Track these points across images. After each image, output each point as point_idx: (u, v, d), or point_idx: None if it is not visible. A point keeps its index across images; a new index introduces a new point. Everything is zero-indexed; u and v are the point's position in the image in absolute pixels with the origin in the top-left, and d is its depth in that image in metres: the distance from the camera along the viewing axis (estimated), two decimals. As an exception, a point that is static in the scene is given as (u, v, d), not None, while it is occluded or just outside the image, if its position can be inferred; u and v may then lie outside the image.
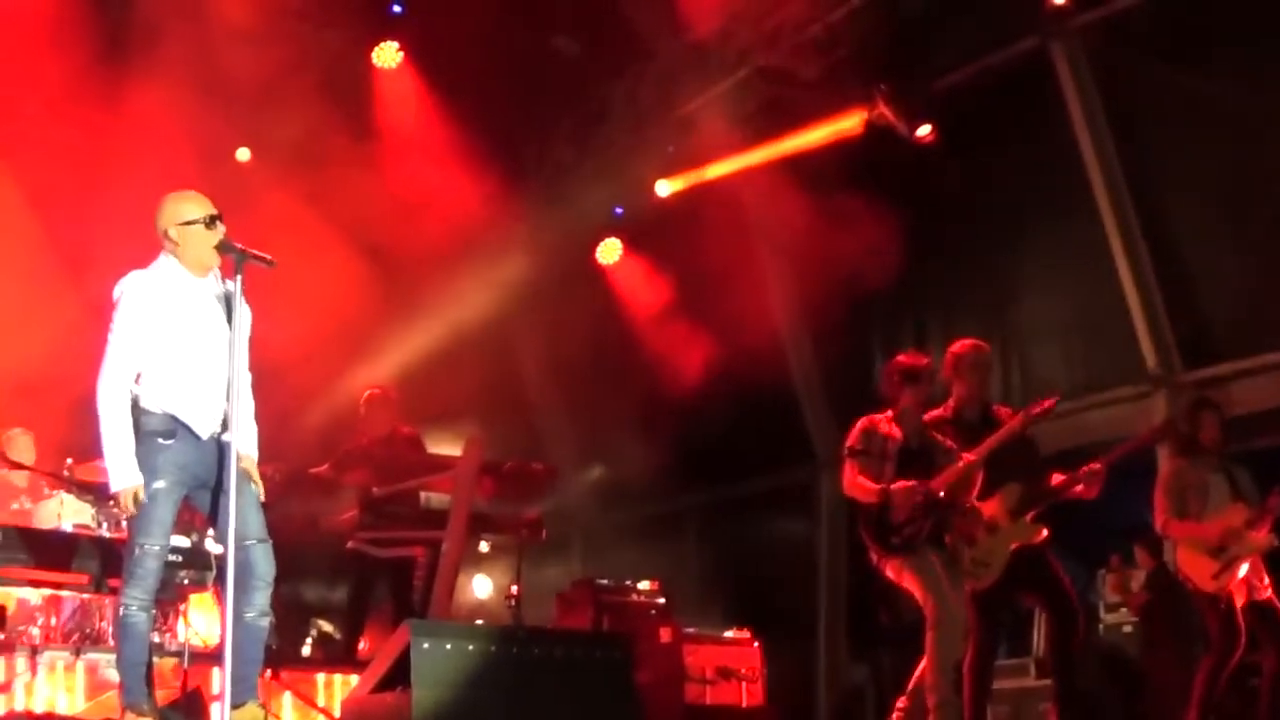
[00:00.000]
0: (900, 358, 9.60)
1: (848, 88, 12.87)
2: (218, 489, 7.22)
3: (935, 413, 9.45)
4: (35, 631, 10.33)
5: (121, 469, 7.05)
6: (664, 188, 14.44)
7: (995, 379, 9.56)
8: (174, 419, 7.16)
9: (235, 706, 6.99)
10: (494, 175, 13.81)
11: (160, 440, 7.15)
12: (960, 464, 9.04)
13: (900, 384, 9.41)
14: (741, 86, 13.36)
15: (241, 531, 7.01)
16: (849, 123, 12.95)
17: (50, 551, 8.17)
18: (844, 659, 13.40)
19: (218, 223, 7.29)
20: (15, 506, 11.20)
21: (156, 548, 7.15)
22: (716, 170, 13.92)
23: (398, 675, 7.76)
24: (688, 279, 13.60)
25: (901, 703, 9.23)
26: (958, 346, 9.53)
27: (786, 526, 13.93)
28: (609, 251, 15.22)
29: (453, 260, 14.04)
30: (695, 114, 13.85)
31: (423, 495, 11.95)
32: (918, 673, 9.10)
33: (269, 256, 7.22)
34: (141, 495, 7.04)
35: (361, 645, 11.82)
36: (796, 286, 13.35)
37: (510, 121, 13.76)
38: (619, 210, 15.15)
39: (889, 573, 9.20)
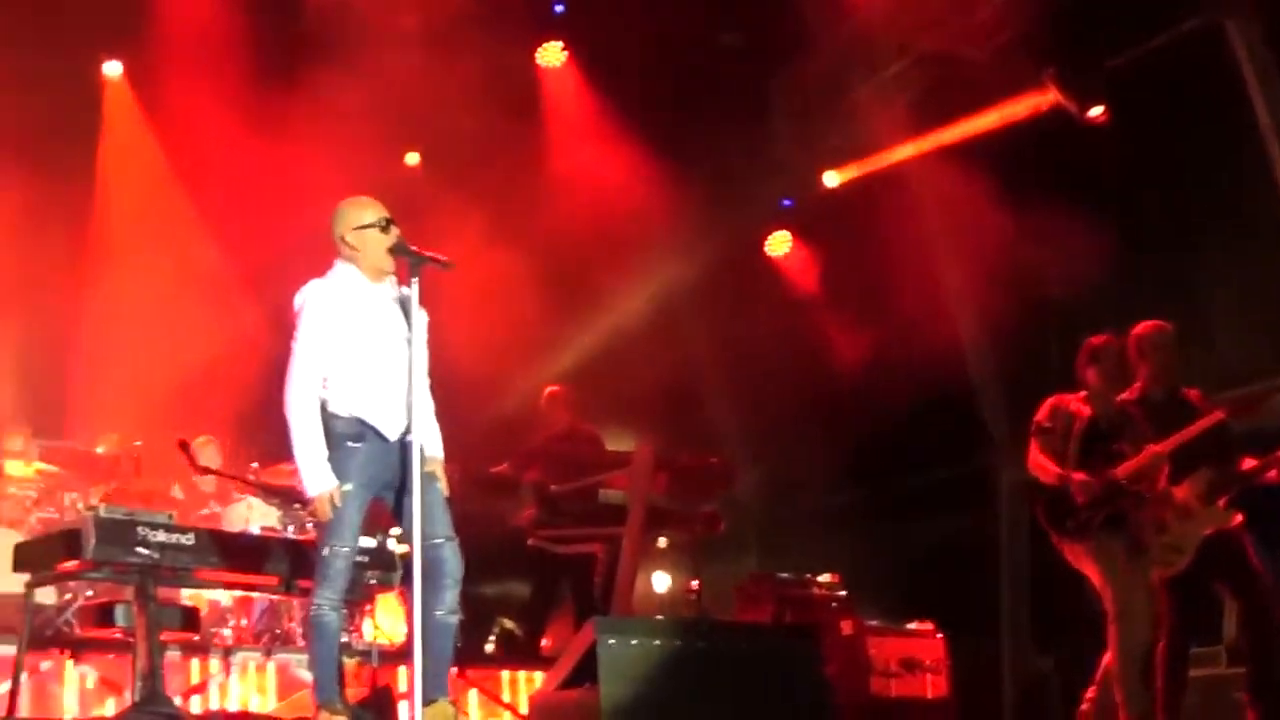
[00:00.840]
0: (1091, 339, 9.44)
1: (1016, 70, 12.70)
2: (403, 489, 7.29)
3: (1123, 395, 9.27)
4: (227, 633, 10.56)
5: (316, 474, 7.16)
6: (832, 178, 14.36)
7: (1181, 360, 9.28)
8: (361, 422, 7.26)
9: (427, 703, 7.04)
10: (661, 171, 13.83)
11: (349, 444, 7.25)
12: (1146, 455, 8.86)
13: (1087, 363, 9.26)
14: (907, 73, 13.24)
15: (429, 530, 7.09)
16: (1018, 107, 12.77)
17: (241, 554, 8.29)
18: (1028, 649, 13.23)
19: (392, 226, 7.38)
20: (204, 512, 11.45)
21: (346, 549, 7.25)
22: (885, 159, 13.80)
23: (584, 672, 7.79)
24: (858, 269, 13.49)
25: (1090, 694, 9.07)
26: (1140, 328, 9.31)
27: (965, 515, 13.75)
28: (778, 244, 15.18)
29: (623, 257, 14.09)
30: (862, 103, 13.75)
31: (600, 491, 12.00)
32: (1104, 663, 8.96)
33: (445, 258, 7.31)
34: (338, 499, 7.14)
35: (544, 642, 11.91)
36: (969, 273, 13.19)
37: (676, 117, 13.73)
38: (787, 202, 15.10)
39: (1068, 556, 9.05)
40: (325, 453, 7.18)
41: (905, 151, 13.69)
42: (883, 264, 13.36)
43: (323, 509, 7.14)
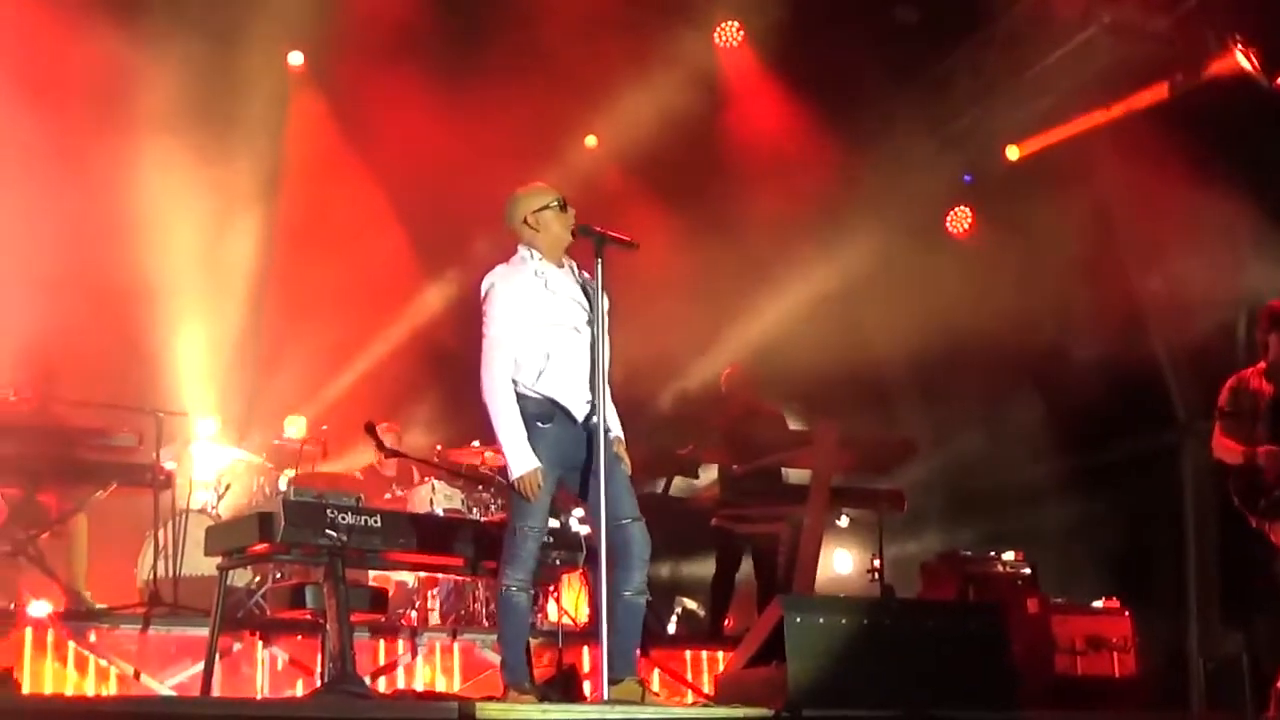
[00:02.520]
0: (1272, 302, 9.21)
1: (1200, 39, 12.44)
2: (588, 471, 7.33)
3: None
4: (413, 614, 10.69)
5: (520, 456, 7.22)
6: (1014, 152, 14.19)
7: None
8: (552, 403, 7.31)
9: (614, 682, 7.09)
10: (839, 149, 13.76)
11: (539, 425, 7.30)
12: None
13: (1269, 330, 9.02)
14: (1089, 45, 13.02)
15: (616, 512, 7.15)
16: (1202, 76, 12.52)
17: (427, 536, 8.36)
18: (1217, 628, 12.97)
19: (569, 206, 7.44)
20: (388, 496, 11.61)
21: (536, 529, 7.30)
22: (1067, 132, 13.60)
23: (771, 649, 7.77)
24: (1041, 242, 13.29)
25: (1285, 674, 8.88)
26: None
27: (1151, 492, 13.53)
28: (959, 220, 15.03)
29: (802, 236, 14.05)
30: (1043, 76, 13.55)
31: (782, 471, 11.97)
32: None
33: (629, 238, 7.36)
34: (541, 480, 7.18)
35: (726, 622, 11.90)
36: (1153, 246, 12.96)
37: (853, 95, 13.66)
38: (968, 178, 14.95)
39: (1273, 538, 8.85)
40: (525, 434, 7.22)
41: (1087, 123, 13.48)
42: (1065, 238, 13.16)
43: (527, 489, 7.19)
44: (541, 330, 7.36)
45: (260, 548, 7.95)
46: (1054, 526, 13.74)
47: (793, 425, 12.37)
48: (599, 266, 7.35)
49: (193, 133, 12.50)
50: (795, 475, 12.02)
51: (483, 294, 7.45)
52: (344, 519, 7.89)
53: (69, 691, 8.90)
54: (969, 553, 11.70)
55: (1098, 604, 11.20)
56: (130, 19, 12.14)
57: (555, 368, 7.33)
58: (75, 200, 11.89)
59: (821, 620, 7.75)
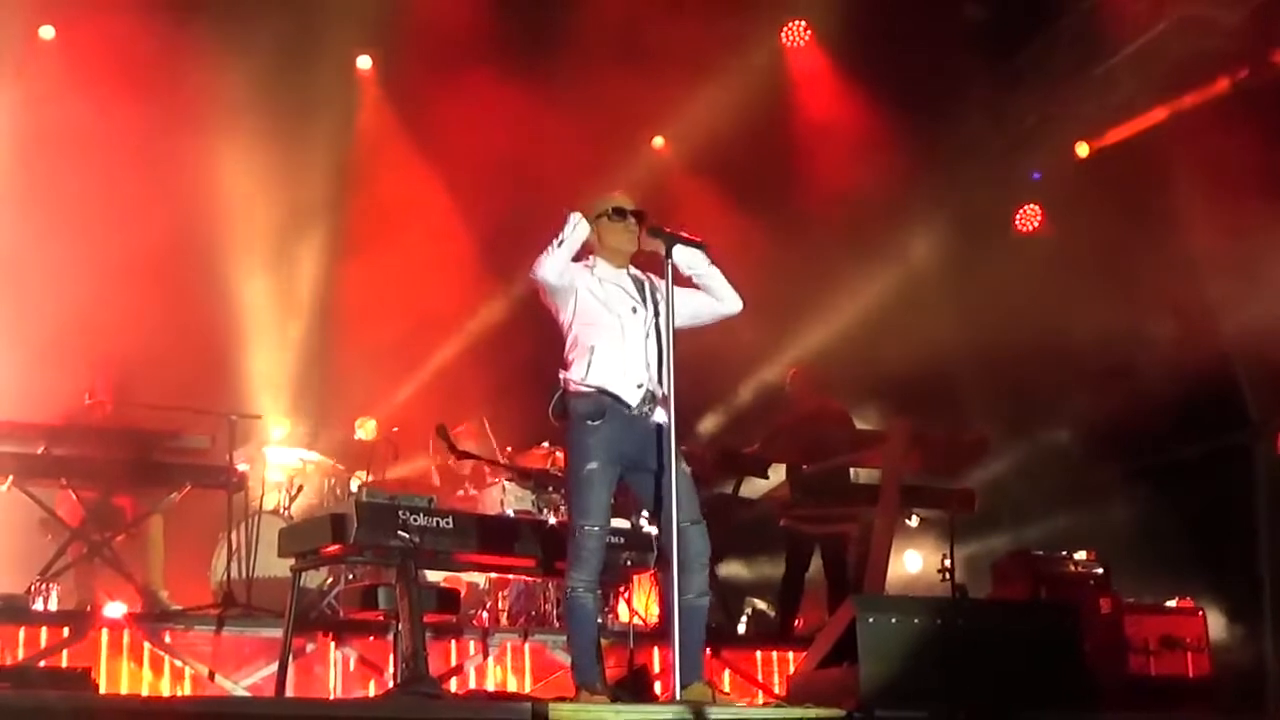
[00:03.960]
0: None
1: (1272, 32, 12.34)
2: (649, 471, 7.36)
3: None
4: (484, 614, 10.72)
5: (568, 225, 7.47)
6: (1083, 149, 14.11)
7: None
8: (602, 392, 7.37)
9: (683, 685, 7.10)
10: (908, 147, 13.72)
11: (589, 423, 7.34)
12: None
13: None
14: (1159, 41, 12.93)
15: (676, 513, 7.15)
16: (1270, 68, 12.43)
17: (498, 537, 8.41)
18: (1292, 628, 12.86)
19: (629, 215, 7.60)
20: (460, 494, 11.64)
21: (596, 529, 7.33)
22: (1137, 128, 13.51)
23: (843, 650, 7.76)
24: (1111, 240, 13.21)
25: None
26: None
27: (1225, 491, 13.40)
28: (1029, 218, 14.95)
29: (870, 234, 14.02)
30: (1113, 71, 13.48)
31: (851, 471, 11.95)
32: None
33: (697, 238, 7.43)
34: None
35: (797, 622, 11.88)
36: (1228, 241, 12.83)
37: (922, 92, 13.61)
38: (1037, 175, 14.88)
39: None
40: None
41: (1158, 119, 13.39)
42: (1137, 235, 13.06)
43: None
44: (588, 318, 7.49)
45: (333, 549, 8.01)
46: (1127, 526, 13.65)
47: (861, 425, 12.33)
48: (668, 267, 7.44)
49: (263, 138, 12.62)
50: (864, 475, 11.99)
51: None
52: (416, 520, 7.94)
53: (144, 692, 8.97)
54: (1040, 552, 11.62)
55: (1171, 604, 11.13)
56: (200, 23, 12.27)
57: (602, 358, 7.40)
58: (150, 205, 12.02)
59: (894, 620, 7.74)
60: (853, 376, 13.26)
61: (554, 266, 7.41)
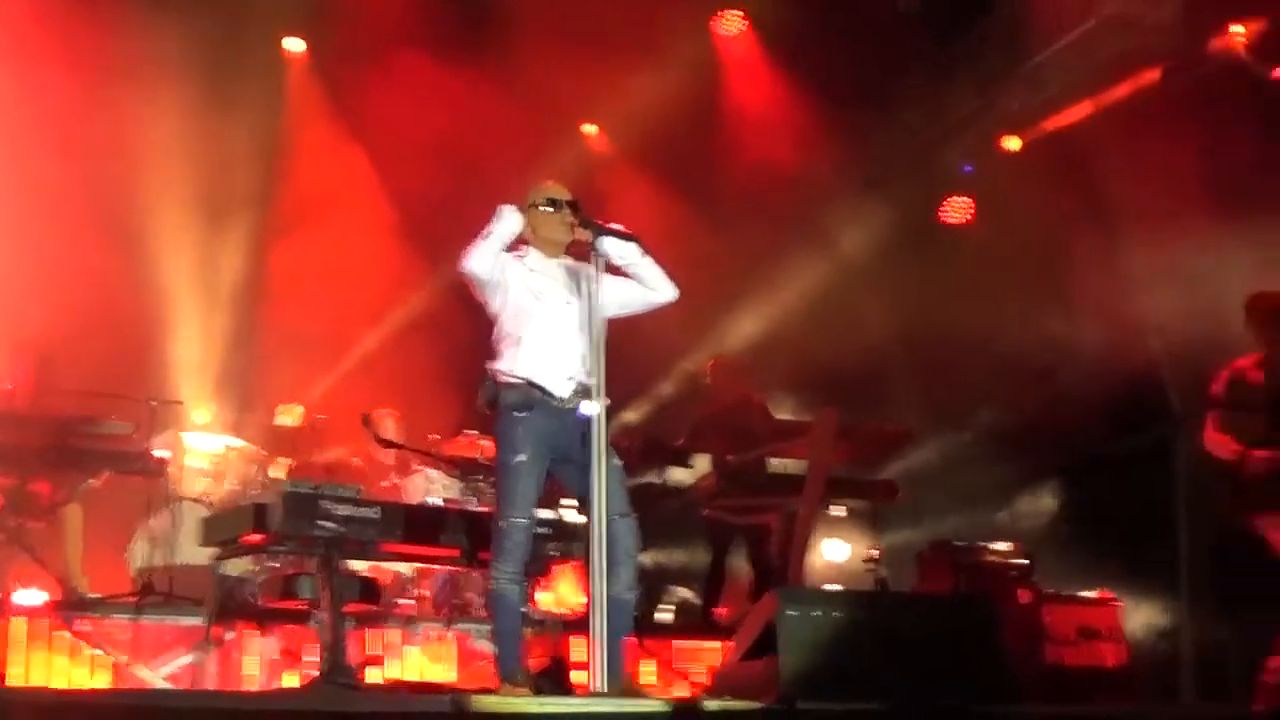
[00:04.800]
0: (1267, 292, 9.16)
1: (1200, 30, 12.44)
2: (577, 463, 7.35)
3: None
4: (408, 603, 10.68)
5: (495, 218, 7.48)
6: (1013, 143, 14.20)
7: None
8: (530, 385, 7.36)
9: (607, 679, 7.08)
10: (839, 138, 13.76)
11: (516, 414, 7.33)
12: None
13: (1262, 321, 8.97)
14: (1090, 36, 13.01)
15: (606, 506, 7.13)
16: (1202, 67, 12.51)
17: (424, 527, 8.38)
18: (1207, 619, 12.97)
19: (564, 206, 7.59)
20: (385, 484, 11.59)
21: (523, 521, 7.32)
22: (1065, 121, 13.60)
23: (766, 643, 7.77)
24: (1040, 234, 13.29)
25: (1275, 663, 8.83)
26: None
27: (1146, 484, 13.52)
28: (957, 210, 15.01)
29: (800, 226, 14.06)
30: (1043, 66, 13.56)
31: (775, 461, 11.97)
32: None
33: (625, 230, 7.43)
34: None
35: (720, 612, 11.90)
36: (1154, 237, 12.93)
37: (854, 83, 13.66)
38: (968, 168, 14.95)
39: (1263, 529, 8.82)
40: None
41: (1086, 114, 13.47)
42: (1064, 229, 13.15)
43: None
44: (523, 317, 7.48)
45: (255, 538, 7.99)
46: (1047, 517, 13.76)
47: (786, 416, 12.34)
48: (595, 258, 7.43)
49: (189, 119, 12.50)
50: (789, 465, 12.01)
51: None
52: (340, 510, 7.93)
53: (62, 680, 8.88)
54: (963, 543, 11.69)
55: (1090, 594, 11.21)
56: (123, 10, 12.15)
57: (532, 350, 7.39)
58: (70, 186, 11.87)
59: (815, 613, 7.76)
60: (779, 366, 13.30)
61: (483, 260, 7.39)
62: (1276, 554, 8.81)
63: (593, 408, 7.30)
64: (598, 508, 7.08)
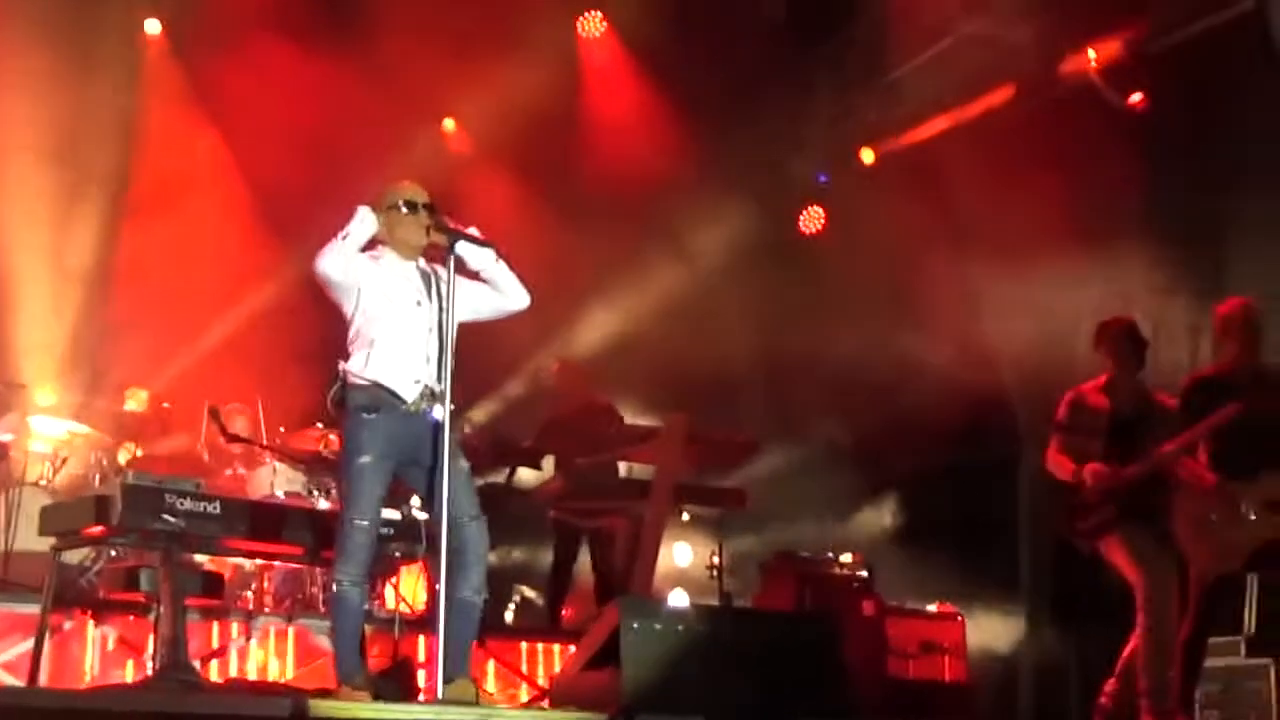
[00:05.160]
0: (1111, 318, 9.33)
1: (1056, 53, 12.63)
2: (425, 466, 7.34)
3: (1204, 371, 9.08)
4: (249, 596, 10.60)
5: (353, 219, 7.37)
6: (868, 155, 14.32)
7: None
8: (378, 388, 7.31)
9: (447, 681, 7.07)
10: (698, 144, 13.81)
11: (364, 415, 7.29)
12: (1157, 457, 8.69)
13: (1112, 345, 9.13)
14: (949, 52, 13.16)
15: (454, 509, 7.12)
16: (1056, 89, 12.70)
17: (267, 524, 8.32)
18: (1047, 635, 13.19)
19: (420, 208, 7.48)
20: (229, 473, 11.50)
21: (366, 523, 7.27)
22: (921, 137, 13.74)
23: (608, 653, 7.79)
24: (891, 247, 13.42)
25: (1109, 686, 8.96)
26: (1224, 307, 9.10)
27: (988, 499, 13.69)
28: (812, 220, 15.10)
29: (656, 230, 14.10)
30: (902, 80, 13.70)
31: (623, 465, 12.02)
32: (1126, 653, 8.87)
33: (479, 235, 7.42)
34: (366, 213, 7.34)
35: (564, 613, 11.94)
36: (997, 253, 13.10)
37: (714, 89, 13.72)
38: (823, 177, 15.06)
39: (1101, 549, 8.96)
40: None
41: (940, 127, 13.61)
42: (915, 243, 13.27)
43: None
44: (374, 318, 7.39)
45: (96, 530, 7.90)
46: (891, 530, 13.91)
47: (633, 420, 12.38)
48: (450, 262, 7.39)
49: (44, 94, 12.31)
50: (636, 470, 12.06)
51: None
52: (182, 505, 7.86)
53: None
54: (807, 554, 11.79)
55: (932, 608, 11.36)
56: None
57: (382, 352, 7.34)
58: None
59: (658, 626, 7.79)
60: (631, 370, 13.34)
61: (337, 262, 7.32)
62: (1114, 572, 8.94)
63: (441, 413, 7.29)
64: (444, 510, 7.06)
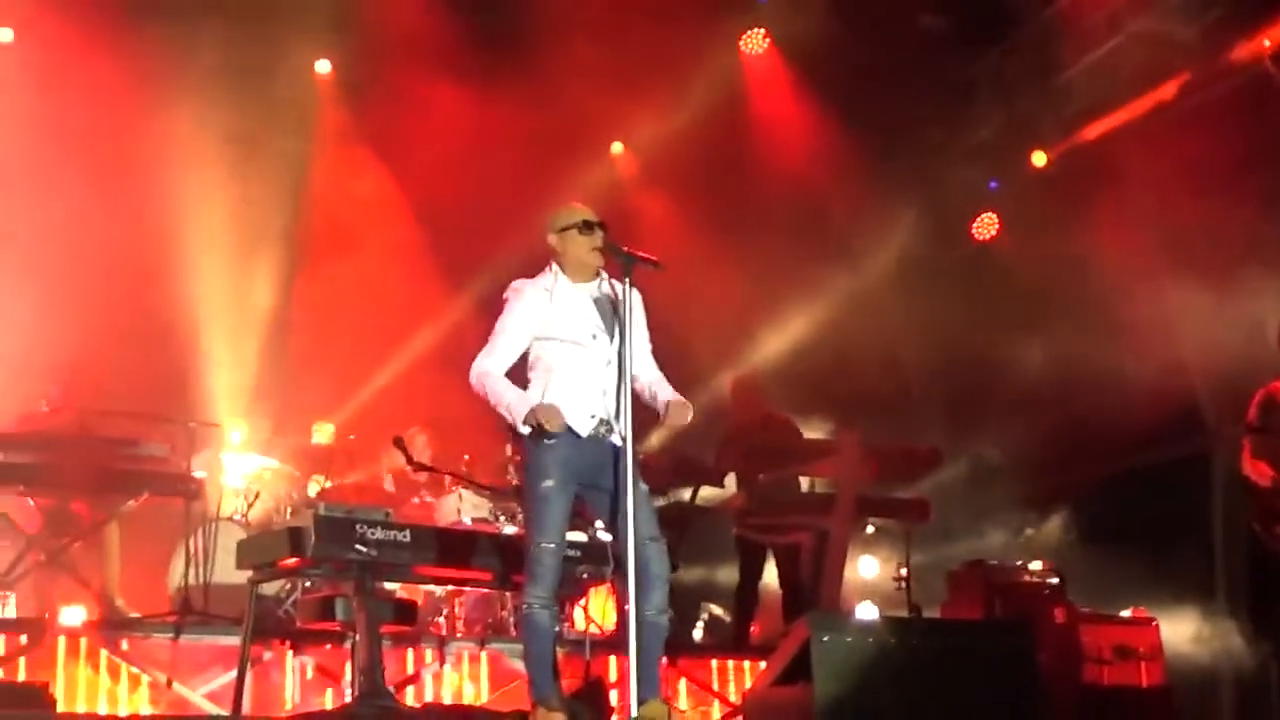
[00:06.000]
0: None
1: (1227, 47, 12.43)
2: (605, 490, 7.37)
3: None
4: (441, 622, 10.74)
5: (520, 405, 7.25)
6: (1040, 158, 14.21)
7: None
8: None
9: (640, 703, 7.11)
10: (865, 157, 13.79)
11: (545, 440, 7.31)
12: None
13: None
14: (1115, 52, 13.02)
15: (636, 532, 7.15)
16: (1230, 83, 12.50)
17: (456, 550, 8.40)
18: (1246, 637, 12.94)
19: (596, 228, 7.47)
20: (416, 501, 11.66)
21: (553, 546, 7.29)
22: (1092, 135, 13.60)
23: (798, 668, 7.80)
24: (1068, 249, 13.28)
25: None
26: None
27: (1180, 501, 13.47)
28: (985, 226, 15.00)
29: (827, 243, 14.09)
30: (1069, 83, 13.58)
31: (804, 480, 12.00)
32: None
33: (654, 259, 7.38)
34: (546, 412, 7.21)
35: (752, 630, 11.93)
36: (1183, 250, 12.90)
37: (879, 101, 13.68)
38: (994, 184, 14.96)
39: None
40: (518, 390, 7.32)
41: (1113, 128, 13.47)
42: (1092, 244, 13.13)
43: (548, 420, 7.20)
44: (545, 345, 7.41)
45: (291, 562, 8.03)
46: (1083, 535, 13.72)
47: (811, 434, 12.35)
48: (626, 285, 7.36)
49: (221, 143, 12.63)
50: (819, 484, 12.04)
51: (503, 299, 7.54)
52: (373, 534, 7.96)
53: (102, 698, 9.00)
54: (996, 562, 11.68)
55: (1126, 613, 11.19)
56: (154, 36, 12.27)
57: (559, 382, 7.36)
58: (107, 213, 12.00)
59: (849, 639, 7.79)
60: (807, 386, 13.31)
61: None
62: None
63: (619, 440, 7.31)
64: (630, 532, 7.09)
